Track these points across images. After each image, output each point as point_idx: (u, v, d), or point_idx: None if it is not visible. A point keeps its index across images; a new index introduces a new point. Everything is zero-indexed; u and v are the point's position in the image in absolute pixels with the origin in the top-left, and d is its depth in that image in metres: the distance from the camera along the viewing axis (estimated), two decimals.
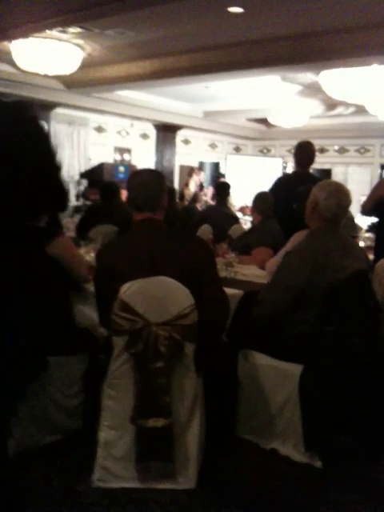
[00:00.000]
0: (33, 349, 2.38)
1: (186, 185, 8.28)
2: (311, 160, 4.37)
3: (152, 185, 2.36)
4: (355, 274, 2.51)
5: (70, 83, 8.02)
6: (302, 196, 3.30)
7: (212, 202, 7.34)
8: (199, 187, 8.28)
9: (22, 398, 2.40)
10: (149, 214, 2.35)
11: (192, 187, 8.10)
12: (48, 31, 5.52)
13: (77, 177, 9.14)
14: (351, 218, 5.10)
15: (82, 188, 8.53)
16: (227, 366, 2.67)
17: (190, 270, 2.26)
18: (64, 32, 5.69)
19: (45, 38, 5.81)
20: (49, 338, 2.46)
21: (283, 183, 4.44)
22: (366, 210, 4.02)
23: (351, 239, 2.79)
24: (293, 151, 4.49)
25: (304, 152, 4.35)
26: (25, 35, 5.62)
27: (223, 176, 10.50)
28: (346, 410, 2.47)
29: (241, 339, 2.75)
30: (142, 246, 2.29)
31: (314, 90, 7.92)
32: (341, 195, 2.61)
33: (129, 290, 2.17)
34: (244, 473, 2.40)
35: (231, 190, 6.17)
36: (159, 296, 2.20)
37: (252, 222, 4.58)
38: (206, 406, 2.34)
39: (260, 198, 4.12)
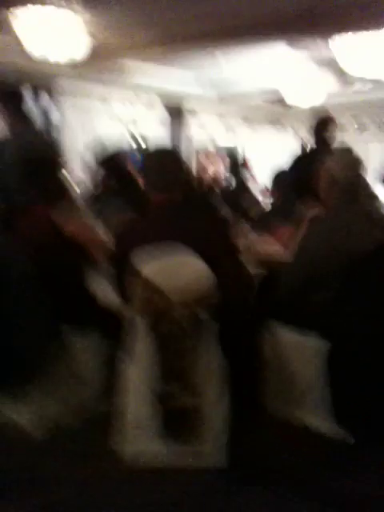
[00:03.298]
0: (58, 330, 2.39)
1: (204, 169, 8.23)
2: (332, 136, 4.30)
3: (169, 165, 2.34)
4: (378, 246, 2.45)
5: (81, 72, 7.99)
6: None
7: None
8: (221, 172, 8.17)
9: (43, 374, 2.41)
10: (168, 194, 2.33)
11: (211, 172, 8.04)
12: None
13: (92, 164, 9.09)
14: (372, 193, 5.01)
15: (98, 176, 8.49)
16: (253, 344, 2.65)
17: (211, 249, 2.24)
18: None
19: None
20: (75, 320, 2.46)
21: (303, 161, 4.38)
22: None
23: (370, 211, 2.73)
24: (312, 129, 4.42)
25: (324, 129, 4.29)
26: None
27: (248, 159, 10.33)
28: (375, 384, 2.43)
29: (266, 317, 2.73)
30: (164, 227, 2.28)
31: (330, 66, 7.77)
32: (356, 165, 2.56)
33: (151, 270, 2.16)
34: (274, 450, 2.39)
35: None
36: (183, 275, 2.19)
37: (272, 203, 4.54)
38: (233, 383, 2.33)
39: (279, 177, 4.08)
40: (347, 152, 2.75)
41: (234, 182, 6.09)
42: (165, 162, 2.33)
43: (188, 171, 5.90)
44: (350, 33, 5.70)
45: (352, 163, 2.59)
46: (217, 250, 2.25)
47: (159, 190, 2.33)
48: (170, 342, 2.18)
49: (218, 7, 5.44)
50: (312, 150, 4.52)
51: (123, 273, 2.37)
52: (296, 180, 4.00)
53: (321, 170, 2.70)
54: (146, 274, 2.15)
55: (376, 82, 8.26)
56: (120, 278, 2.42)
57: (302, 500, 2.01)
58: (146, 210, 2.44)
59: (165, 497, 2.05)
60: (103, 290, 2.80)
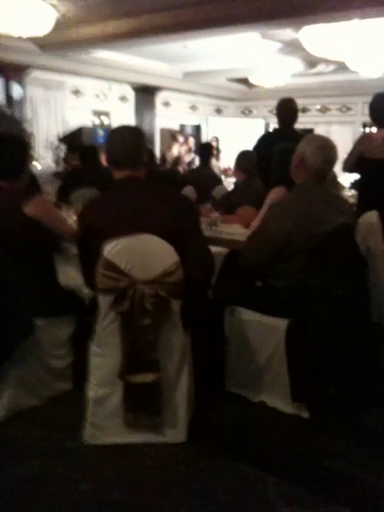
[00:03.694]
0: (18, 311, 2.37)
1: (169, 148, 8.18)
2: (294, 117, 4.34)
3: (132, 141, 2.32)
4: (341, 226, 2.51)
5: (45, 45, 7.76)
6: (277, 153, 3.30)
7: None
8: (188, 150, 8.15)
9: (9, 361, 2.40)
10: (130, 171, 2.31)
11: (176, 152, 8.00)
12: None
13: (55, 142, 8.96)
14: (334, 177, 5.09)
15: (60, 153, 8.37)
16: (214, 323, 2.70)
17: (174, 227, 2.24)
18: None
19: None
20: (34, 301, 2.45)
21: (266, 141, 4.40)
22: (348, 167, 4.01)
23: (337, 193, 2.79)
24: (275, 109, 4.45)
25: (286, 109, 4.32)
26: None
27: (217, 139, 10.32)
28: (332, 361, 2.52)
29: (226, 296, 2.77)
30: (125, 204, 2.27)
31: (294, 47, 7.78)
32: (327, 150, 2.60)
33: (113, 249, 2.15)
34: (233, 425, 2.45)
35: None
36: (144, 254, 2.18)
37: (235, 182, 4.56)
38: (194, 361, 2.37)
39: (243, 157, 4.09)
40: (321, 138, 2.77)
41: (197, 161, 6.08)
42: (127, 139, 2.30)
43: (150, 154, 5.88)
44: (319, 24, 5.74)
45: (324, 149, 2.61)
46: (180, 227, 2.26)
47: (121, 166, 2.31)
48: (132, 320, 2.19)
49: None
50: (277, 130, 4.55)
51: (86, 252, 2.36)
52: (260, 160, 4.02)
53: (282, 154, 2.73)
54: (108, 252, 2.15)
55: (338, 65, 8.35)
56: (83, 258, 2.41)
57: (261, 472, 2.07)
58: (108, 186, 2.42)
59: (125, 471, 2.08)
60: (67, 271, 2.79)
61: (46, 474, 2.07)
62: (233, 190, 4.13)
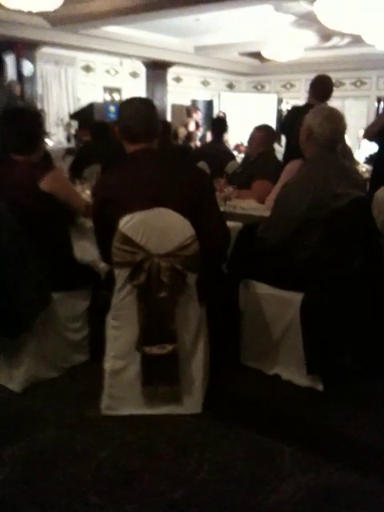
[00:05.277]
0: (35, 284, 2.40)
1: (186, 125, 8.11)
2: (329, 93, 4.32)
3: (147, 113, 2.30)
4: (355, 200, 2.49)
5: (55, 20, 7.70)
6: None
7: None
8: (196, 126, 8.12)
9: (27, 333, 2.44)
10: (145, 143, 2.30)
11: (192, 127, 7.94)
12: None
13: (66, 118, 8.94)
14: (349, 152, 5.04)
15: (71, 130, 8.35)
16: (229, 296, 2.71)
17: (190, 200, 2.24)
18: None
19: None
20: (50, 274, 2.48)
21: (295, 114, 4.37)
22: (370, 135, 3.97)
23: (349, 165, 2.76)
24: (310, 83, 4.44)
25: (322, 84, 4.31)
26: None
27: (224, 113, 10.24)
28: (346, 333, 2.53)
29: (241, 270, 2.78)
30: (141, 177, 2.26)
31: (308, 20, 7.64)
32: (335, 120, 2.57)
33: (129, 223, 2.16)
34: (248, 397, 2.48)
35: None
36: (160, 227, 2.19)
37: (246, 158, 4.51)
38: (209, 334, 2.39)
39: (263, 131, 4.07)
40: (328, 108, 2.75)
41: (209, 136, 6.03)
42: (142, 110, 2.28)
43: (164, 122, 5.84)
44: None
45: (331, 119, 2.59)
46: (195, 200, 2.26)
47: (137, 138, 2.30)
48: (148, 293, 2.21)
49: None
50: (308, 105, 4.52)
51: (101, 226, 2.37)
52: (290, 133, 3.99)
53: (306, 128, 2.70)
54: (123, 226, 2.16)
55: (353, 38, 8.18)
56: (98, 232, 2.42)
57: (276, 441, 2.11)
58: (121, 160, 2.42)
59: (142, 439, 2.12)
60: (82, 245, 2.81)
61: (65, 443, 2.12)
62: (251, 162, 4.08)
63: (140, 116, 2.30)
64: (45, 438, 2.15)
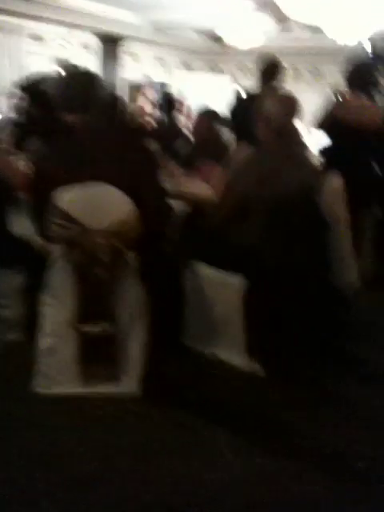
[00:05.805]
0: None
1: (139, 102, 7.96)
2: (274, 75, 4.34)
3: (85, 83, 2.20)
4: (303, 188, 2.49)
5: None
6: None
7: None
8: (151, 104, 7.97)
9: None
10: (84, 115, 2.20)
11: (144, 105, 7.79)
12: None
13: (9, 88, 8.55)
14: (301, 137, 5.06)
15: (15, 100, 7.99)
16: (172, 277, 2.67)
17: (130, 176, 2.17)
18: None
19: None
20: None
21: (243, 98, 4.37)
22: (319, 125, 4.01)
23: (298, 152, 2.75)
24: (257, 66, 4.42)
25: (268, 66, 4.32)
26: None
27: (178, 92, 10.08)
28: (288, 319, 2.54)
29: (186, 251, 2.74)
30: (79, 150, 2.17)
31: (268, 6, 7.58)
32: (289, 105, 2.56)
33: (66, 197, 2.08)
34: (187, 379, 2.45)
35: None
36: (98, 203, 2.12)
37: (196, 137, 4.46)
38: (150, 313, 2.35)
39: (210, 114, 4.04)
40: (281, 92, 2.75)
41: (165, 118, 5.93)
42: (78, 81, 2.19)
43: (114, 97, 5.68)
44: None
45: (285, 102, 2.58)
46: (136, 177, 2.19)
47: (74, 110, 2.19)
48: (87, 272, 2.14)
49: None
50: (253, 94, 4.50)
51: (38, 200, 2.27)
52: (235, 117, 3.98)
53: (259, 112, 2.68)
54: (62, 203, 2.07)
55: (314, 29, 8.19)
56: (35, 206, 2.32)
57: (212, 424, 2.09)
58: (62, 133, 2.31)
59: (73, 420, 2.07)
60: (22, 222, 2.69)
61: None
62: (196, 146, 4.04)
63: (80, 86, 2.20)
64: None
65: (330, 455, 1.96)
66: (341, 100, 3.94)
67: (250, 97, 4.40)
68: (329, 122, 3.90)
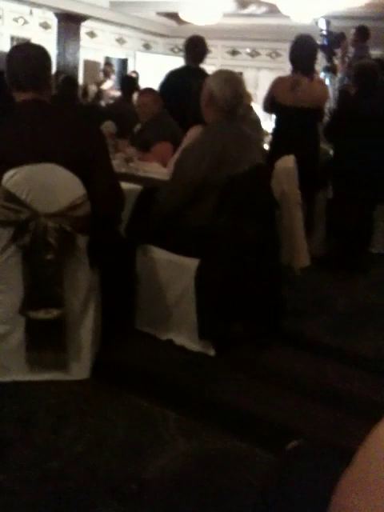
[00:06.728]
0: None
1: (99, 83, 7.80)
2: (203, 54, 4.31)
3: (37, 59, 2.12)
4: (253, 167, 2.48)
5: None
6: (195, 91, 3.22)
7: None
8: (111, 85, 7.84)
9: None
10: (34, 93, 2.12)
11: (107, 86, 7.65)
12: None
13: None
14: (257, 121, 5.06)
15: None
16: (125, 260, 2.63)
17: (81, 157, 2.11)
18: None
19: None
20: None
21: (176, 77, 4.31)
22: (264, 107, 4.05)
23: (248, 132, 2.74)
24: (185, 45, 4.37)
25: (198, 46, 4.28)
26: None
27: (136, 73, 9.96)
28: (238, 300, 2.54)
29: (139, 234, 2.70)
30: (28, 130, 2.09)
31: None
32: (235, 82, 2.54)
33: (13, 178, 2.00)
34: (140, 362, 2.44)
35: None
36: (48, 185, 2.05)
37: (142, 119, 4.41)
38: (103, 298, 2.31)
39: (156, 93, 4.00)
40: (227, 72, 2.71)
41: (121, 95, 5.83)
42: (31, 57, 2.10)
43: (69, 78, 5.56)
44: None
45: (231, 82, 2.55)
46: (86, 158, 2.13)
47: (24, 87, 2.11)
48: (34, 255, 2.08)
49: None
50: (186, 67, 4.45)
51: None
52: (170, 97, 3.95)
53: (202, 89, 2.64)
54: (7, 181, 2.00)
55: (270, 7, 8.18)
56: None
57: (163, 408, 2.08)
58: (10, 110, 2.23)
59: (22, 408, 2.02)
60: None
61: None
62: (144, 126, 3.98)
63: (29, 63, 2.11)
64: None
65: (276, 433, 1.98)
66: (276, 81, 3.95)
67: (185, 71, 4.39)
68: (270, 103, 3.92)
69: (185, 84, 3.94)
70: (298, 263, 3.07)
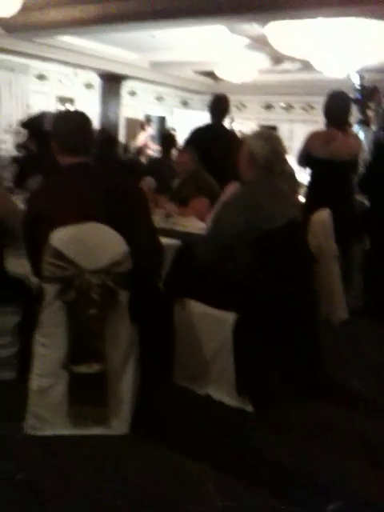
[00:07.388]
0: None
1: (134, 137, 8.11)
2: (226, 112, 4.61)
3: (87, 127, 2.30)
4: (290, 222, 2.54)
5: (10, 27, 7.55)
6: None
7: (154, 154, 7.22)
8: (150, 139, 8.13)
9: None
10: (82, 157, 2.27)
11: (142, 140, 7.94)
12: None
13: (16, 126, 8.77)
14: (292, 173, 5.16)
15: (20, 138, 8.18)
16: (164, 315, 2.68)
17: (124, 216, 2.22)
18: None
19: None
20: None
21: (203, 135, 4.51)
22: (299, 162, 4.13)
23: (286, 188, 2.81)
24: (210, 103, 4.60)
25: (221, 104, 4.51)
26: None
27: (174, 130, 10.33)
28: (277, 355, 2.55)
29: (178, 288, 2.76)
30: (75, 191, 2.22)
31: (261, 43, 7.81)
32: (275, 142, 2.64)
33: (61, 236, 2.12)
34: (177, 418, 2.44)
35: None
36: (92, 243, 2.15)
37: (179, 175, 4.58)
38: (141, 352, 2.35)
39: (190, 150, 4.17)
40: (267, 131, 2.82)
41: (160, 152, 6.04)
42: (82, 125, 2.28)
43: (110, 136, 5.81)
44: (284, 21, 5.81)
45: (271, 141, 2.65)
46: (128, 217, 2.23)
47: (76, 152, 2.27)
48: (78, 310, 2.16)
49: None
50: (210, 125, 4.68)
51: (33, 239, 2.31)
52: (201, 153, 4.11)
53: (241, 147, 2.75)
54: (55, 240, 2.11)
55: (304, 63, 8.42)
56: (29, 245, 2.35)
57: (201, 465, 2.07)
58: (57, 173, 2.38)
59: (63, 461, 2.05)
60: (16, 259, 2.72)
61: None
62: (183, 182, 4.13)
63: (79, 130, 2.28)
64: None
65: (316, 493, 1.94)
66: (311, 135, 4.04)
67: (211, 128, 4.60)
68: (305, 158, 4.01)
69: (210, 141, 4.15)
70: (335, 316, 3.07)
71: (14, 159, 6.52)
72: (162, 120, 11.87)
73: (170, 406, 2.53)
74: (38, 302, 2.30)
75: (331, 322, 3.05)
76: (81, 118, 2.32)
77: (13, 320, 2.60)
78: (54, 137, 2.32)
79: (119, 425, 2.27)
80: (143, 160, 7.23)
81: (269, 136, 2.68)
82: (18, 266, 2.70)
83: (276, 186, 2.68)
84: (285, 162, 4.94)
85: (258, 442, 2.29)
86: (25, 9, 6.21)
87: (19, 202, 3.36)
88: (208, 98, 12.93)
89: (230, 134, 4.90)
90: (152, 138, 9.08)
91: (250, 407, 2.50)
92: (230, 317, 2.52)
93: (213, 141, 4.22)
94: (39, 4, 6.60)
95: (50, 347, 2.22)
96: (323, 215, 3.13)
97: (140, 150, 7.39)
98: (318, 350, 2.75)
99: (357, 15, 5.47)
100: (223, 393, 2.56)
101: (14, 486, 1.90)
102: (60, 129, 2.33)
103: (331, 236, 3.08)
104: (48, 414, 2.24)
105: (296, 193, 4.89)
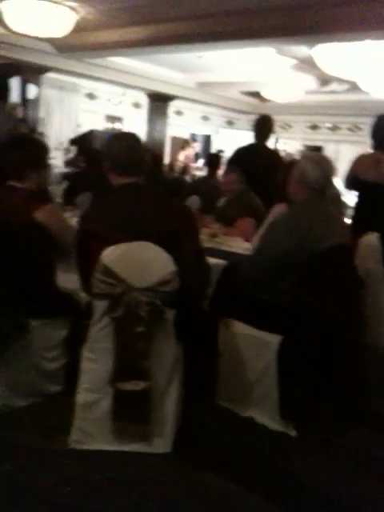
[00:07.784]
0: (12, 311, 2.38)
1: (180, 157, 8.24)
2: (270, 133, 4.71)
3: (138, 148, 2.36)
4: (337, 246, 2.52)
5: (62, 47, 7.84)
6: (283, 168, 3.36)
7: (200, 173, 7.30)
8: (194, 157, 8.22)
9: (0, 360, 2.41)
10: (134, 178, 2.33)
11: (181, 158, 8.05)
12: None
13: (66, 143, 9.04)
14: (338, 195, 5.12)
15: (70, 155, 8.44)
16: (208, 334, 2.69)
17: (172, 235, 2.25)
18: None
19: None
20: (30, 301, 2.46)
21: (244, 154, 4.55)
22: (346, 185, 4.11)
23: (335, 211, 2.80)
24: (254, 124, 4.65)
25: (266, 125, 4.55)
26: None
27: (222, 151, 10.43)
28: (322, 380, 2.51)
29: (223, 308, 2.77)
30: (126, 210, 2.28)
31: (308, 64, 7.83)
32: (326, 165, 2.64)
33: (112, 254, 2.16)
34: (220, 439, 2.43)
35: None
36: (141, 261, 2.19)
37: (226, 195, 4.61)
38: (185, 372, 2.36)
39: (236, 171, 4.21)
40: (319, 154, 2.83)
41: (206, 171, 6.11)
42: (135, 146, 2.34)
43: (156, 155, 5.91)
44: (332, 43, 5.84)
45: (323, 164, 2.66)
46: (177, 237, 2.27)
47: (129, 173, 2.34)
48: (125, 327, 2.19)
49: (208, 10, 5.51)
50: (254, 145, 4.72)
51: (84, 256, 2.37)
52: (246, 173, 4.15)
53: (292, 168, 2.76)
54: (106, 257, 2.16)
55: (351, 84, 8.38)
56: (80, 262, 2.41)
57: (243, 489, 2.05)
58: (108, 192, 2.44)
59: (107, 478, 2.07)
60: (65, 274, 2.79)
61: (27, 476, 2.06)
62: (228, 202, 4.16)
63: (132, 151, 2.35)
64: (8, 470, 2.08)
65: None
66: (358, 159, 4.00)
67: (255, 148, 4.62)
68: (352, 181, 3.97)
69: (250, 161, 4.19)
70: (382, 342, 3.01)
71: (65, 176, 6.72)
72: (208, 139, 11.98)
73: (212, 427, 2.52)
74: (86, 317, 2.35)
75: (378, 347, 2.99)
76: (133, 140, 2.38)
77: (61, 334, 2.66)
78: (107, 157, 2.39)
79: (161, 443, 2.28)
80: (187, 179, 7.31)
81: (320, 159, 2.69)
82: (67, 280, 2.77)
83: (326, 208, 2.67)
84: (334, 185, 4.94)
85: (299, 468, 2.25)
86: (76, 30, 6.46)
87: (69, 217, 3.46)
88: (253, 118, 13.05)
89: (273, 154, 4.93)
90: (195, 157, 9.16)
91: (293, 432, 2.47)
92: (274, 339, 2.51)
93: (255, 160, 4.26)
94: (91, 26, 6.82)
95: (97, 362, 2.26)
96: (371, 239, 3.09)
97: (185, 169, 7.48)
98: (364, 376, 2.69)
99: None
100: (266, 416, 2.53)
101: (60, 500, 1.92)
102: (113, 150, 2.40)
103: (380, 260, 3.03)
104: (92, 428, 2.27)
105: (342, 214, 4.83)
